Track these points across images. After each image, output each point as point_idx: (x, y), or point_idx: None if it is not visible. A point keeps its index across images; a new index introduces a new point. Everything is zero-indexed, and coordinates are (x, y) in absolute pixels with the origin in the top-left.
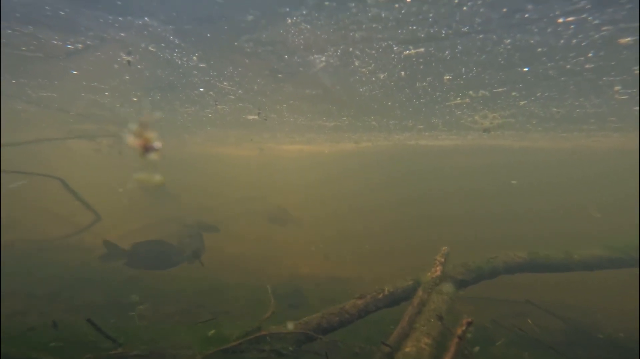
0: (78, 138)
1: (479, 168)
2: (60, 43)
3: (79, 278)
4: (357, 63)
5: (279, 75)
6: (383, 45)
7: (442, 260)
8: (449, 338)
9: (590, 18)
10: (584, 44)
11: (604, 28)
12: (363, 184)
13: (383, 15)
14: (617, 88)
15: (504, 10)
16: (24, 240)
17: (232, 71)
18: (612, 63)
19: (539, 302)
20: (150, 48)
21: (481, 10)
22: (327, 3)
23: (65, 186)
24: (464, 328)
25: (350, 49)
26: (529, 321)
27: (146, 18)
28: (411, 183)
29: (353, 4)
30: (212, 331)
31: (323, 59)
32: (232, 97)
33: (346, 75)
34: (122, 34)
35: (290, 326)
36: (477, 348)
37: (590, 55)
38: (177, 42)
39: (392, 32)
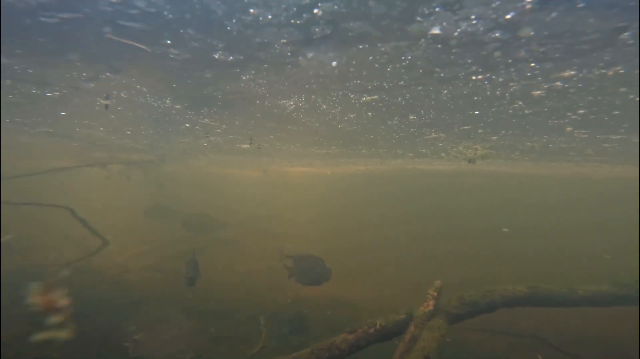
0: (89, 166)
1: (474, 189)
2: (39, 92)
3: (86, 302)
4: (324, 107)
5: (257, 115)
6: (339, 93)
7: (435, 294)
8: None
9: (494, 77)
10: (507, 94)
11: (511, 84)
12: (367, 203)
13: (322, 73)
14: (569, 129)
15: (420, 71)
16: (34, 264)
17: (208, 110)
18: (545, 109)
19: (546, 331)
20: (122, 94)
21: (402, 70)
22: (265, 66)
23: (74, 215)
24: None
25: (313, 96)
26: (539, 357)
27: (108, 73)
28: (410, 202)
29: (289, 66)
30: None
31: (291, 102)
32: (218, 130)
33: (320, 114)
34: (92, 84)
35: None
36: None
37: (520, 103)
38: (144, 90)
39: (341, 85)
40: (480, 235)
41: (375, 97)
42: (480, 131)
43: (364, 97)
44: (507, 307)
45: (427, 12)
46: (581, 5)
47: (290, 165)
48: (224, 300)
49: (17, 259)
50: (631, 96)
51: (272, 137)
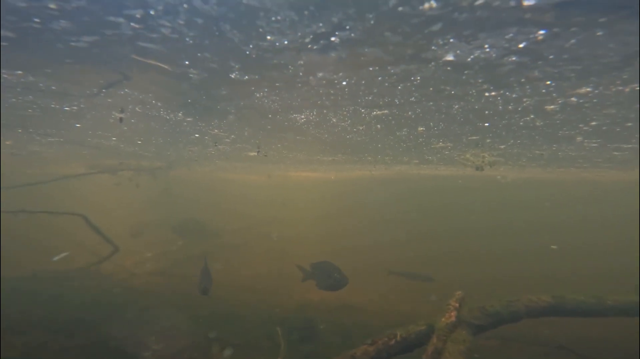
0: (100, 173)
1: (478, 192)
2: (58, 107)
3: (98, 308)
4: (334, 120)
5: (268, 127)
6: (350, 109)
7: (457, 304)
8: None
9: (507, 93)
10: (519, 109)
11: (525, 99)
12: (372, 206)
13: (332, 92)
14: (579, 139)
15: (431, 89)
16: (48, 270)
17: (218, 122)
18: (557, 122)
19: (572, 338)
20: (137, 109)
21: (413, 89)
22: (277, 84)
23: (87, 222)
24: None
25: (324, 111)
26: None
27: (126, 89)
28: (410, 206)
29: (300, 85)
30: None
31: (303, 117)
32: (227, 140)
33: (329, 127)
34: (110, 100)
35: None
36: None
37: (532, 116)
38: (159, 104)
39: (352, 101)
40: (485, 235)
41: (386, 111)
42: (488, 141)
43: (375, 111)
44: (531, 317)
45: (441, 42)
46: (600, 33)
47: (295, 171)
48: (231, 305)
49: (20, 263)
50: None
51: (279, 145)
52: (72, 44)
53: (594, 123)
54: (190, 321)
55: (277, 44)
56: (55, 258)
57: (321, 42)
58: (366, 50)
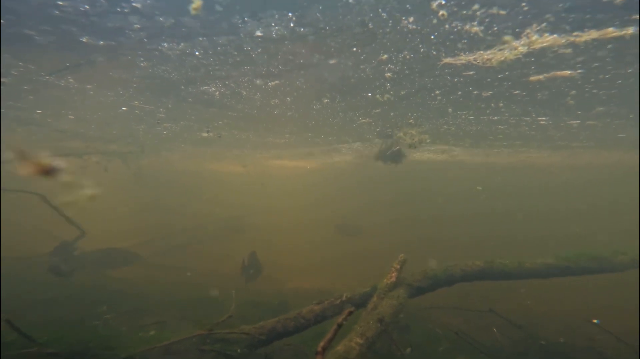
0: (65, 156)
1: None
2: None
3: (65, 291)
4: (244, 93)
5: (189, 100)
6: (245, 79)
7: (398, 266)
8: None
9: (342, 61)
10: (370, 77)
11: (362, 66)
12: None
13: (204, 62)
14: (450, 109)
15: (279, 57)
16: (8, 257)
17: (132, 93)
18: (413, 90)
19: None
20: (12, 72)
21: (265, 57)
22: (140, 52)
23: (46, 202)
24: (344, 316)
25: (226, 82)
26: (494, 329)
27: None
28: (386, 191)
29: (157, 53)
30: (152, 332)
31: (213, 89)
32: (161, 115)
33: (246, 100)
34: None
35: (245, 330)
36: (408, 349)
37: (388, 85)
38: (32, 67)
39: (241, 71)
40: (461, 221)
41: (277, 81)
42: (392, 113)
43: (268, 82)
44: (465, 281)
45: (240, 20)
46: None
47: (265, 158)
48: (209, 290)
49: None
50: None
51: (220, 123)
52: None
53: (438, 91)
54: (162, 304)
55: (82, 8)
56: None
57: (123, 4)
58: (185, 19)
